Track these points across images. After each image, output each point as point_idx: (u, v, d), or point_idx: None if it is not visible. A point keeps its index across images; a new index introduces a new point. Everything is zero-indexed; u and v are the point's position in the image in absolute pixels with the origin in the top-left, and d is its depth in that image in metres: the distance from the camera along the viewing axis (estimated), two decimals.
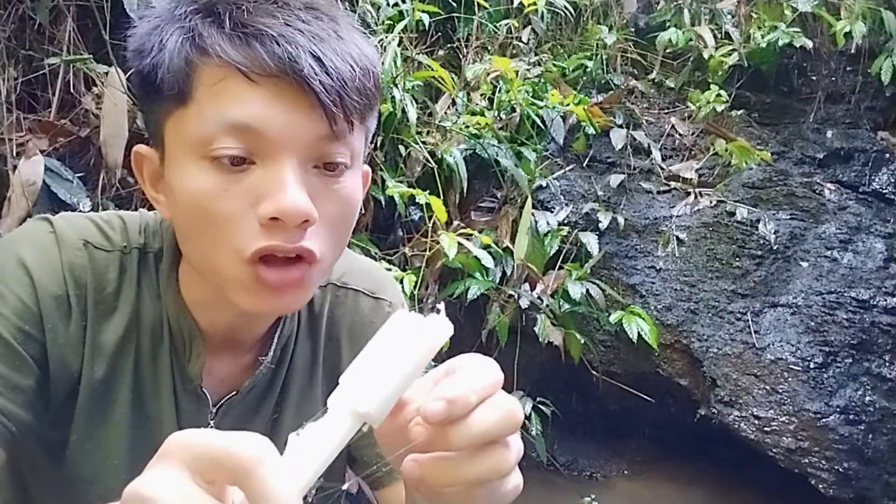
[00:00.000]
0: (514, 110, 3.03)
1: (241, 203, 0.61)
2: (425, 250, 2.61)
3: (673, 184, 3.11)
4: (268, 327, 0.78)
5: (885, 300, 2.79)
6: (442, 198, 2.65)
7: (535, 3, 3.27)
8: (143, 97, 0.69)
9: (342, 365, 0.85)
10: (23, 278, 0.68)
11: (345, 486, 0.57)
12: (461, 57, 3.23)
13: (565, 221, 2.91)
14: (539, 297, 2.74)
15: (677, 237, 2.94)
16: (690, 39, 3.40)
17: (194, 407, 0.76)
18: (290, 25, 0.61)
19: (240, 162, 0.61)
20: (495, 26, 3.31)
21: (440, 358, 0.55)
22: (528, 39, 3.43)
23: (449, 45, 3.26)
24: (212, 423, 0.77)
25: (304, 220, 0.61)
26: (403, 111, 2.61)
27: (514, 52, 3.39)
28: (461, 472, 0.50)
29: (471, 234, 2.65)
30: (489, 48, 3.32)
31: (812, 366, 2.68)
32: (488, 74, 3.08)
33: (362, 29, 0.69)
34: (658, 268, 2.91)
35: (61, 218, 0.74)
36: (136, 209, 0.79)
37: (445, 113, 2.97)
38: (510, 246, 2.76)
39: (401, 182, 2.62)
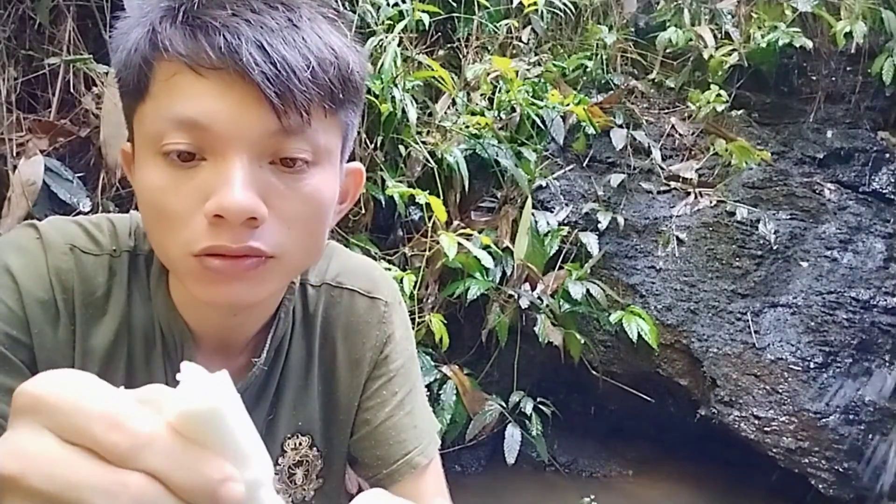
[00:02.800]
0: (514, 110, 3.02)
1: (191, 200, 0.61)
2: (425, 250, 2.60)
3: (673, 184, 3.11)
4: (259, 328, 0.77)
5: (885, 300, 2.79)
6: (442, 198, 2.65)
7: (535, 3, 3.27)
8: (119, 95, 0.69)
9: (337, 365, 0.84)
10: (8, 284, 0.68)
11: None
12: (461, 57, 3.22)
13: (565, 221, 2.91)
14: (539, 297, 2.74)
15: (677, 237, 2.94)
16: (690, 39, 3.40)
17: None
18: (237, 16, 0.60)
19: (189, 158, 0.61)
20: (495, 26, 3.31)
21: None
22: (528, 39, 3.42)
23: (449, 45, 3.26)
24: None
25: (250, 217, 0.60)
26: (403, 111, 2.60)
27: (514, 52, 3.39)
28: None
29: (471, 234, 2.64)
30: (489, 48, 3.31)
31: (812, 366, 2.68)
32: (488, 74, 3.08)
33: (335, 18, 0.67)
34: (658, 268, 2.91)
35: (48, 223, 0.74)
36: (136, 209, 0.79)
37: (445, 113, 2.97)
38: (510, 246, 2.76)
39: (401, 182, 2.62)
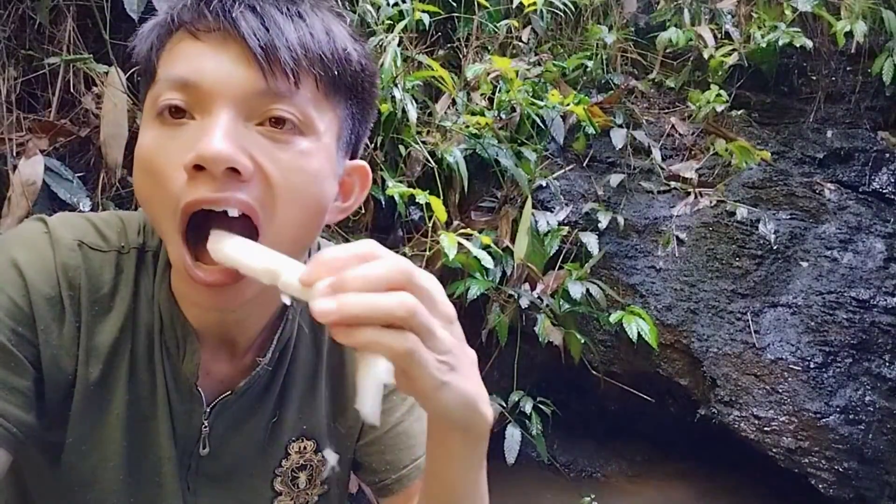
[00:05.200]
0: (514, 110, 3.02)
1: (175, 156, 0.62)
2: (425, 250, 2.60)
3: (673, 184, 3.11)
4: (263, 327, 0.77)
5: (885, 300, 2.79)
6: (442, 198, 2.64)
7: (535, 3, 3.27)
8: (140, 85, 0.72)
9: (346, 370, 0.84)
10: (15, 279, 0.67)
11: None
12: (461, 57, 3.22)
13: (565, 221, 2.91)
14: (539, 297, 2.74)
15: (677, 237, 2.94)
16: (690, 39, 3.40)
17: (188, 406, 0.75)
18: None
19: (177, 112, 0.63)
20: (495, 26, 3.30)
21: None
22: (528, 39, 3.42)
23: (449, 45, 3.26)
24: (205, 422, 0.76)
25: (229, 166, 0.60)
26: (403, 111, 2.60)
27: (514, 52, 3.38)
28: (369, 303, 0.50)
29: (471, 234, 2.64)
30: (489, 48, 3.31)
31: (812, 366, 2.68)
32: (488, 74, 3.08)
33: (332, 8, 0.70)
34: (658, 268, 2.91)
35: (57, 218, 0.73)
36: (136, 209, 0.79)
37: (445, 113, 2.96)
38: (510, 246, 2.76)
39: (401, 182, 2.62)
